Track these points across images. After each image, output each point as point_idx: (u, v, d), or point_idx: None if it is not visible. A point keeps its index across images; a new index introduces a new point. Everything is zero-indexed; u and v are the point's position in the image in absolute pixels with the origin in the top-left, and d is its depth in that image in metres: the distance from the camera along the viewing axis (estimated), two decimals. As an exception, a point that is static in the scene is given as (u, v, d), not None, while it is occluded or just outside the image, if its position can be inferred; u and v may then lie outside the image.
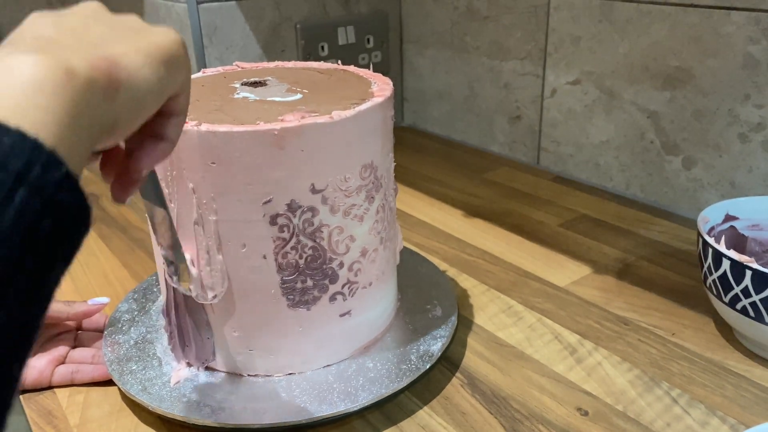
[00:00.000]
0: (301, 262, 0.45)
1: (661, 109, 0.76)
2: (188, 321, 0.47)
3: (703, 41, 0.70)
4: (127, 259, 0.72)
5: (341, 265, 0.47)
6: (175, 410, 0.44)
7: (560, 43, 0.85)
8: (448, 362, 0.53)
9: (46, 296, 0.22)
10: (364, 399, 0.45)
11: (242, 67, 0.59)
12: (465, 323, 0.58)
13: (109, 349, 0.52)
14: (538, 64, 0.89)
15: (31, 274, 0.20)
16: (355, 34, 1.02)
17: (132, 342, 0.53)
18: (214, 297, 0.45)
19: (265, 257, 0.44)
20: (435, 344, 0.51)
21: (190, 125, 0.41)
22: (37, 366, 0.51)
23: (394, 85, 0.49)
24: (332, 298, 0.47)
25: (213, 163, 0.41)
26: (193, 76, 0.57)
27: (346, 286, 0.48)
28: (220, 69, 0.59)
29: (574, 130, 0.87)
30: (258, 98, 0.48)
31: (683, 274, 0.65)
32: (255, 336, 0.47)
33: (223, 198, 0.42)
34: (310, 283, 0.46)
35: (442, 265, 0.68)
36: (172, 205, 0.45)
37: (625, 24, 0.77)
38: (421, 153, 1.01)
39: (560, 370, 0.52)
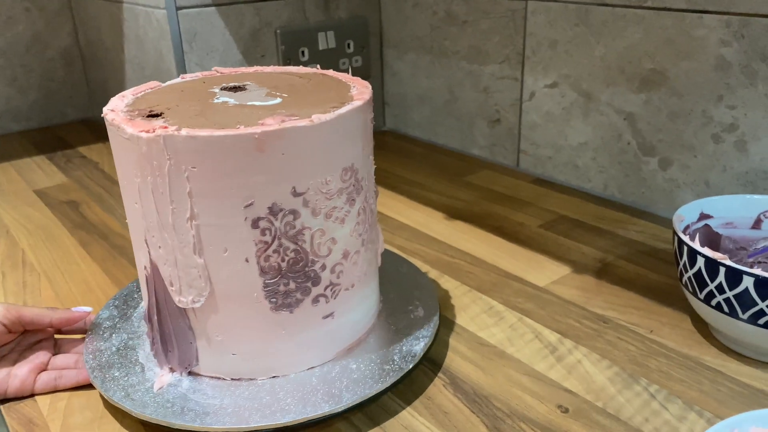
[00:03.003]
0: (284, 265, 0.45)
1: (637, 111, 0.77)
2: (170, 326, 0.47)
3: (677, 44, 0.71)
4: (109, 266, 0.71)
5: (323, 267, 0.47)
6: (158, 416, 0.44)
7: (538, 46, 0.86)
8: (431, 362, 0.54)
9: None
10: (348, 400, 0.46)
11: (221, 72, 0.59)
12: (447, 324, 0.59)
13: (91, 356, 0.52)
14: (516, 67, 0.90)
15: None
16: (336, 39, 1.03)
17: (114, 349, 0.53)
18: (196, 301, 0.46)
19: (247, 260, 0.44)
20: (417, 344, 0.52)
21: (170, 130, 0.41)
22: (19, 374, 0.51)
23: (374, 89, 0.50)
24: (315, 301, 0.47)
25: (194, 167, 0.41)
26: (171, 82, 0.57)
27: (329, 288, 0.48)
28: (199, 74, 0.59)
29: (552, 133, 0.88)
30: (238, 103, 0.48)
31: (661, 273, 0.66)
32: (238, 340, 0.47)
33: (204, 202, 0.43)
34: (292, 285, 0.46)
35: (424, 267, 0.69)
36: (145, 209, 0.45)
37: (601, 27, 0.78)
38: (403, 156, 1.02)
39: (541, 369, 0.53)
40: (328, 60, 1.03)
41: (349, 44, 1.05)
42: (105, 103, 1.23)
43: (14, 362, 0.52)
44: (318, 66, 0.60)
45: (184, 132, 0.41)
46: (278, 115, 0.44)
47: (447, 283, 0.66)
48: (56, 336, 0.56)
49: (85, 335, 0.56)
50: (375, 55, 1.11)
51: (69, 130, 1.22)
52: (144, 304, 0.51)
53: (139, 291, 0.61)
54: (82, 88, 1.26)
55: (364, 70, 1.08)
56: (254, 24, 0.95)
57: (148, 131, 0.41)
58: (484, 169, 0.96)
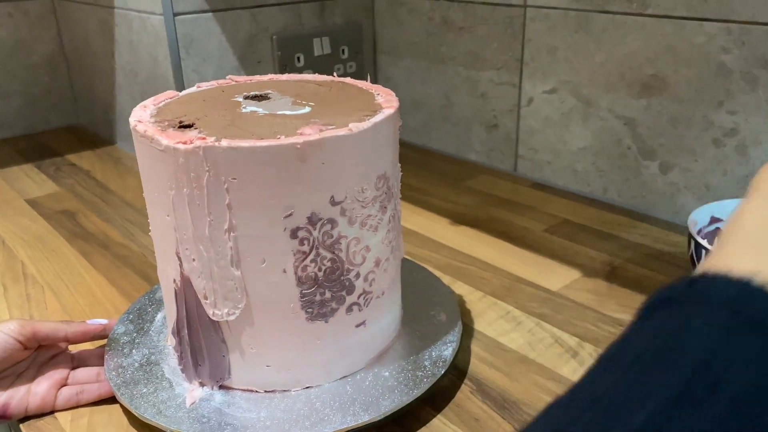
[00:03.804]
0: (320, 274, 0.45)
1: (638, 116, 0.79)
2: (202, 339, 0.47)
3: (678, 51, 0.73)
4: (114, 276, 0.70)
5: (357, 275, 0.47)
6: (196, 431, 0.44)
7: (536, 53, 0.87)
8: (455, 369, 0.54)
9: None
10: (386, 408, 0.46)
11: (236, 81, 0.59)
12: (466, 330, 0.59)
13: (114, 373, 0.50)
14: (514, 73, 0.91)
15: None
16: (330, 45, 1.03)
17: (137, 365, 0.51)
18: (231, 314, 0.45)
19: (284, 271, 0.44)
20: (446, 350, 0.52)
21: (209, 141, 0.41)
22: (39, 392, 0.49)
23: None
24: (349, 309, 0.47)
25: (234, 178, 0.41)
26: (188, 91, 0.56)
27: (362, 297, 0.48)
28: (214, 83, 0.58)
29: (551, 138, 0.89)
30: (267, 112, 0.48)
31: (669, 275, 0.67)
32: (272, 351, 0.47)
33: (243, 213, 0.42)
34: (328, 295, 0.46)
35: (436, 273, 0.69)
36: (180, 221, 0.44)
37: (601, 34, 0.79)
38: (400, 162, 1.02)
39: (565, 373, 0.53)
40: (324, 66, 1.03)
41: (343, 50, 1.05)
42: (91, 109, 1.21)
43: (32, 379, 0.50)
44: (334, 74, 0.60)
45: (224, 143, 0.40)
46: (314, 124, 0.44)
47: (461, 288, 0.66)
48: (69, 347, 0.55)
49: (95, 343, 0.55)
50: (369, 61, 1.11)
51: (54, 138, 1.19)
52: (170, 318, 0.50)
53: (153, 304, 0.60)
54: (67, 95, 1.24)
55: (358, 75, 1.08)
56: (251, 30, 0.94)
57: (185, 143, 0.41)
58: (482, 174, 0.97)
